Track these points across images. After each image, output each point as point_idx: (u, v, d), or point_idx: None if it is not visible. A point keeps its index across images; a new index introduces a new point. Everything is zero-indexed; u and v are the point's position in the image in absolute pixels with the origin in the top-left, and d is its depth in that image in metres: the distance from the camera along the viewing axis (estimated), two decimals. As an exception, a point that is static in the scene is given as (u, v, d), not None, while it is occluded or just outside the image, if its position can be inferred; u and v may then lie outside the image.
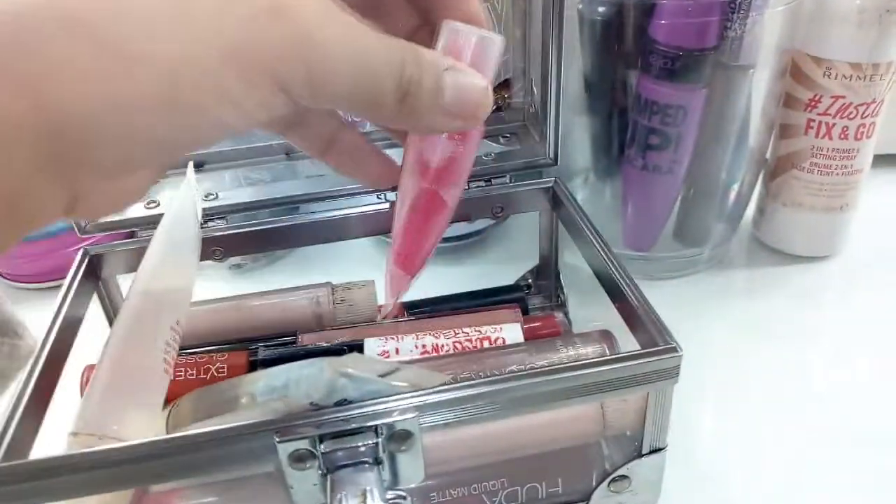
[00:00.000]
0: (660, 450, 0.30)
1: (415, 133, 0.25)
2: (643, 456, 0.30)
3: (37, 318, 0.31)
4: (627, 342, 0.31)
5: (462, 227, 0.49)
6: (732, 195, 0.45)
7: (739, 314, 0.46)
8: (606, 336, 0.32)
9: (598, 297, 0.34)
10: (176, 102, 0.17)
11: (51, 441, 0.28)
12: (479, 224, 0.50)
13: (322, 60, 0.19)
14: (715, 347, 0.43)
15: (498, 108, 0.43)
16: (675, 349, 0.27)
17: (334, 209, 0.38)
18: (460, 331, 0.33)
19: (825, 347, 0.43)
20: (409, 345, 0.34)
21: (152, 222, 0.37)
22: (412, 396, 0.26)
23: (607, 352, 0.32)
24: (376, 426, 0.25)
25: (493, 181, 0.39)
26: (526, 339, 0.35)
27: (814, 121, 0.44)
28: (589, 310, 0.41)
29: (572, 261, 0.42)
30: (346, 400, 0.26)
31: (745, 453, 0.36)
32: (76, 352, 0.33)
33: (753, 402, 0.39)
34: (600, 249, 0.33)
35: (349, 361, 0.26)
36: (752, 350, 0.42)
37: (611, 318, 0.33)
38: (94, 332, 0.35)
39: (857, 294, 0.47)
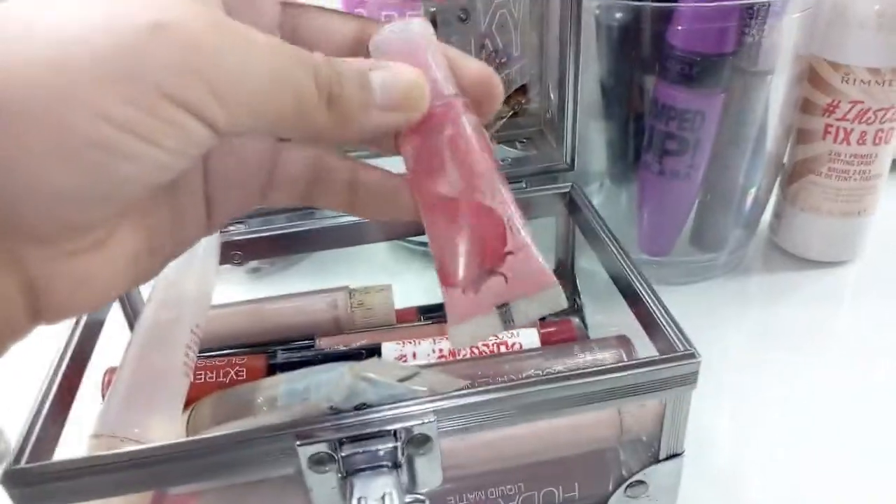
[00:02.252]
0: (677, 455, 0.30)
1: (356, 140, 0.22)
2: (660, 461, 0.30)
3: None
4: (644, 348, 0.31)
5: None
6: (749, 200, 0.45)
7: (755, 320, 0.45)
8: (624, 342, 0.32)
9: (613, 302, 0.34)
10: (66, 146, 0.15)
11: (73, 443, 0.29)
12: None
13: (219, 68, 0.17)
14: (731, 353, 0.43)
15: (514, 114, 0.43)
16: (693, 355, 0.27)
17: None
18: None
19: (842, 353, 0.42)
20: (426, 349, 0.34)
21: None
22: (431, 401, 0.26)
23: (625, 357, 0.32)
24: (395, 430, 0.25)
25: (510, 186, 0.39)
26: (542, 345, 0.35)
27: (832, 126, 0.43)
28: (605, 315, 0.41)
29: (588, 266, 0.42)
30: (365, 404, 0.26)
31: (761, 459, 0.36)
32: (97, 355, 0.33)
33: (769, 407, 0.39)
34: (618, 254, 0.33)
35: (369, 366, 0.26)
36: (769, 356, 0.42)
37: (627, 324, 0.33)
38: (114, 335, 0.36)
39: (874, 299, 0.46)
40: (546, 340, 0.36)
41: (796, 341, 0.43)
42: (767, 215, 0.50)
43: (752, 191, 0.45)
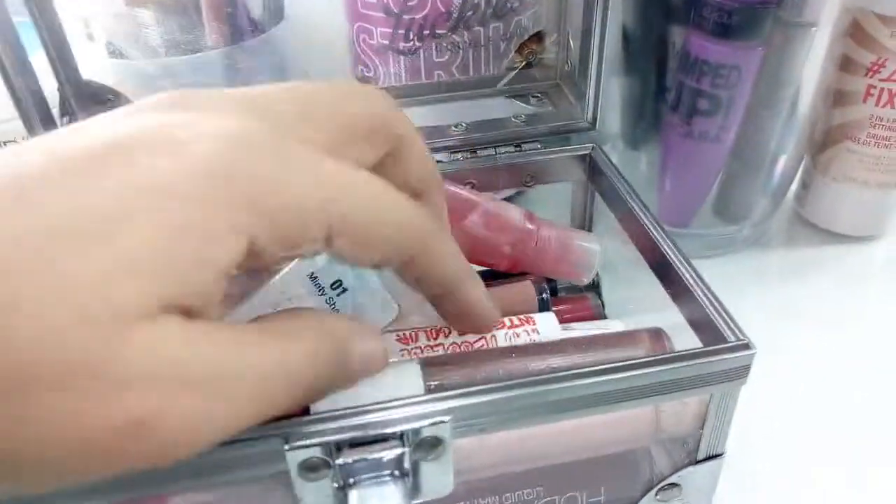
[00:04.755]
0: (717, 456, 0.26)
1: None
2: (698, 462, 0.26)
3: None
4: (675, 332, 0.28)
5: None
6: (780, 167, 0.41)
7: (779, 296, 0.42)
8: (657, 336, 0.28)
9: (633, 277, 0.30)
10: None
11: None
12: (506, 190, 0.45)
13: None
14: (753, 331, 0.39)
15: (527, 64, 0.38)
16: (746, 346, 0.24)
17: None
18: (495, 345, 0.29)
19: (872, 333, 0.39)
20: (423, 342, 0.29)
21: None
22: (444, 399, 0.22)
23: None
24: (402, 432, 0.21)
25: (524, 146, 0.35)
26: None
27: (875, 87, 0.39)
28: (623, 292, 0.37)
29: (604, 235, 0.38)
30: (340, 282, 0.26)
31: (781, 446, 0.33)
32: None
33: (795, 390, 0.36)
34: (651, 227, 0.30)
35: None
36: (793, 335, 0.39)
37: (648, 302, 0.29)
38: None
39: (907, 277, 0.43)
40: (560, 319, 0.32)
41: (822, 319, 0.40)
42: (793, 186, 0.46)
43: (783, 157, 0.41)
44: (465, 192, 0.33)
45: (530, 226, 0.32)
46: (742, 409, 0.35)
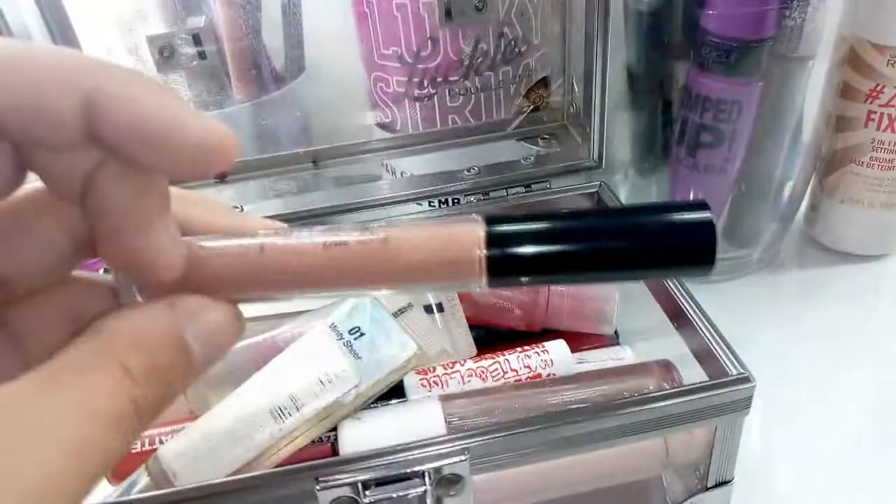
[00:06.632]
0: (727, 482, 0.28)
1: None
2: (708, 489, 0.28)
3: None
4: (682, 356, 0.29)
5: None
6: (786, 193, 0.42)
7: (792, 317, 0.43)
8: (667, 368, 0.29)
9: (647, 306, 0.32)
10: None
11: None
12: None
13: None
14: (766, 353, 0.40)
15: (535, 108, 0.40)
16: (747, 379, 0.25)
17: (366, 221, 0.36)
18: (508, 368, 0.30)
19: (884, 352, 0.40)
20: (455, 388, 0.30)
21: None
22: (462, 438, 0.24)
23: (667, 386, 0.29)
24: (424, 471, 0.23)
25: (533, 186, 0.37)
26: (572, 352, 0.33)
27: (875, 112, 0.41)
28: (638, 322, 0.38)
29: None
30: (358, 328, 0.27)
31: (794, 466, 0.34)
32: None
33: (808, 411, 0.37)
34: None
35: None
36: (806, 355, 0.40)
37: (663, 331, 0.30)
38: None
39: (918, 295, 0.44)
40: (575, 348, 0.33)
41: (834, 339, 0.41)
42: (802, 208, 0.47)
43: (790, 183, 0.42)
44: None
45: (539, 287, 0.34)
46: (753, 427, 0.36)
